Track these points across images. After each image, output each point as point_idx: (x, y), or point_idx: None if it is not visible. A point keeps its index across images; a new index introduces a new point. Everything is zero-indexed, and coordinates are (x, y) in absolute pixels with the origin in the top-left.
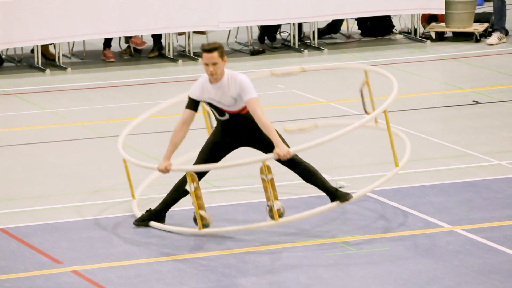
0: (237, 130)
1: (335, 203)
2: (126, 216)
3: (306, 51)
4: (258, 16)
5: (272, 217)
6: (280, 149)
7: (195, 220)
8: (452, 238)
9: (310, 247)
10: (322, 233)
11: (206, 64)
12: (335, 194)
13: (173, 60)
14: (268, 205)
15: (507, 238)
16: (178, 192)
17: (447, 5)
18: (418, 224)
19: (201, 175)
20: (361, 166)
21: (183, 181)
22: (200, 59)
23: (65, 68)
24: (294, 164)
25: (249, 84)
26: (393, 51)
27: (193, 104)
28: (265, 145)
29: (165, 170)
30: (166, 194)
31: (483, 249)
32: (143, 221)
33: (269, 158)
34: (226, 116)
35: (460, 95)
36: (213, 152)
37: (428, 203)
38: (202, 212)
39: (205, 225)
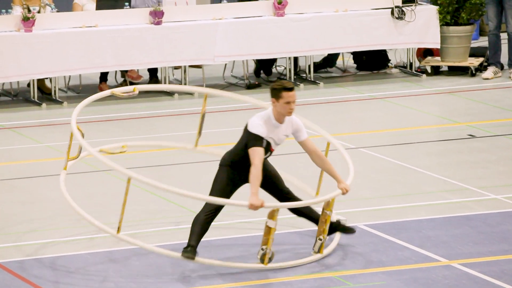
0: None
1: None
2: (123, 250)
3: (302, 85)
4: (253, 49)
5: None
6: None
7: (262, 256)
8: (449, 272)
9: (306, 281)
10: (318, 267)
11: (288, 103)
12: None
13: (169, 94)
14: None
15: (504, 273)
16: (209, 224)
17: (443, 39)
18: (415, 258)
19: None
20: (359, 200)
21: (214, 213)
22: (196, 93)
23: (61, 102)
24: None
25: (302, 123)
26: (388, 85)
27: (264, 143)
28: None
29: (261, 206)
30: (192, 226)
31: (480, 284)
32: (192, 256)
33: (302, 204)
34: (267, 154)
35: (455, 129)
36: (233, 188)
37: (424, 237)
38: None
39: (270, 260)
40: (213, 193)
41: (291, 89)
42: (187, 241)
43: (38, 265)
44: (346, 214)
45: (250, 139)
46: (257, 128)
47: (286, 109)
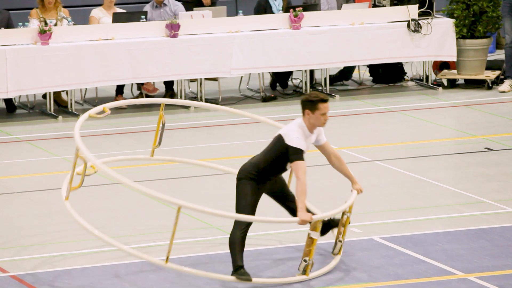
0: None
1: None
2: (139, 263)
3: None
4: (269, 62)
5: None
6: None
7: (305, 267)
8: (465, 286)
9: None
10: (333, 280)
11: (323, 114)
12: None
13: (185, 106)
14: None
15: None
16: (245, 239)
17: (459, 52)
18: (431, 272)
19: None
20: (375, 212)
21: (247, 228)
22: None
23: (77, 115)
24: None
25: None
26: (405, 98)
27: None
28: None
29: (311, 220)
30: (232, 247)
31: None
32: (249, 278)
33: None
34: (288, 166)
35: (472, 142)
36: (258, 201)
37: (440, 250)
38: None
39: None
40: (242, 208)
41: (326, 101)
42: (231, 262)
43: (52, 277)
44: (362, 227)
45: (292, 153)
46: (298, 141)
47: (321, 120)
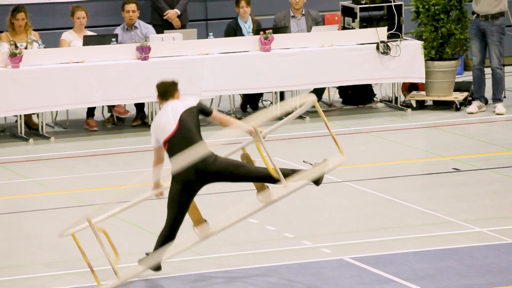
0: None
1: None
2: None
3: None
4: (240, 84)
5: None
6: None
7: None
8: None
9: None
10: None
11: None
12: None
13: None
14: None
15: None
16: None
17: (427, 74)
18: None
19: None
20: (345, 233)
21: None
22: None
23: (48, 137)
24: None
25: None
26: (374, 119)
27: None
28: None
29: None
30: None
31: None
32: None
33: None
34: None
35: (441, 163)
36: None
37: (410, 270)
38: None
39: None
40: None
41: None
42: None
43: None
44: (332, 247)
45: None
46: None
47: None
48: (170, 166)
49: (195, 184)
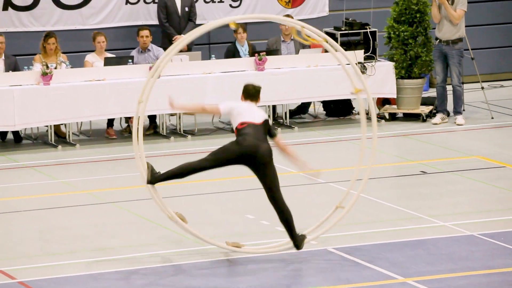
0: None
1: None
2: (127, 271)
3: (279, 129)
4: (237, 99)
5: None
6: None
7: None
8: None
9: None
10: (291, 284)
11: None
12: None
13: (166, 137)
14: None
15: None
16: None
17: (398, 90)
18: (375, 276)
19: None
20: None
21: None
22: (189, 135)
23: (74, 144)
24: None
25: None
26: (353, 129)
27: None
28: None
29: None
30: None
31: None
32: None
33: None
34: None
35: (410, 167)
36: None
37: (383, 258)
38: None
39: None
40: (279, 187)
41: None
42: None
43: (57, 283)
44: (318, 239)
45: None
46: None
47: None
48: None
49: (243, 157)
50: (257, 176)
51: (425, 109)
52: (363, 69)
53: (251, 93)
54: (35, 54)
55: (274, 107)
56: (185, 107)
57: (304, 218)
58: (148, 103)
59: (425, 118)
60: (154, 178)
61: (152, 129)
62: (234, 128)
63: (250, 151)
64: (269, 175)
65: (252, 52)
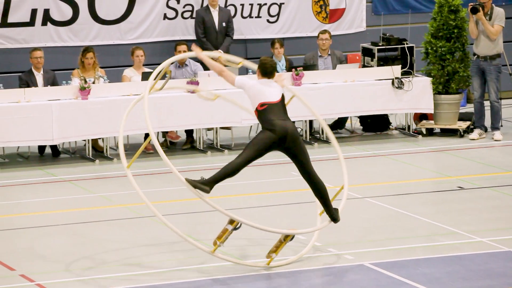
0: None
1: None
2: (160, 285)
3: (316, 144)
4: None
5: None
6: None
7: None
8: None
9: None
10: None
11: None
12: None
13: (203, 151)
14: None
15: None
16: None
17: (435, 105)
18: None
19: None
20: (365, 242)
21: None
22: (226, 150)
23: (111, 159)
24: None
25: None
26: (390, 144)
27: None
28: None
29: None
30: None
31: None
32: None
33: None
34: None
35: (447, 182)
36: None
37: (420, 274)
38: None
39: None
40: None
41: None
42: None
43: None
44: (354, 254)
45: None
46: None
47: None
48: (263, 121)
49: (278, 142)
50: (288, 155)
51: (463, 125)
52: (400, 84)
53: (268, 71)
54: (73, 69)
55: (311, 122)
56: (207, 61)
57: (341, 236)
58: (185, 117)
59: (462, 133)
60: (209, 182)
61: (189, 143)
62: (253, 109)
63: (282, 134)
64: (300, 151)
65: (289, 67)
